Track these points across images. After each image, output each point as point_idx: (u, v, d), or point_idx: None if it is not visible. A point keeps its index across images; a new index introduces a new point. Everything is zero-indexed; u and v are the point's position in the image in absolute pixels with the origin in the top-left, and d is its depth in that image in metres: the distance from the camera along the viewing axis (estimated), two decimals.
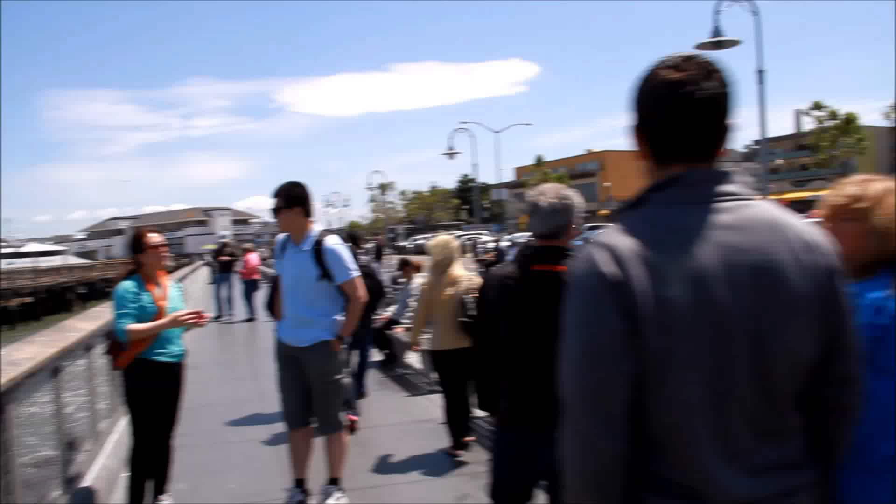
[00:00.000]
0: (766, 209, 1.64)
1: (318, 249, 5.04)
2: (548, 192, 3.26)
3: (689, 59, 1.64)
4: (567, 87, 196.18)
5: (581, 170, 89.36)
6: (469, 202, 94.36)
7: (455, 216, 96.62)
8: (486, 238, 46.98)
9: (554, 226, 3.21)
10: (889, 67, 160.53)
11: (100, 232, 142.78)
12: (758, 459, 1.57)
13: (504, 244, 36.23)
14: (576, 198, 3.29)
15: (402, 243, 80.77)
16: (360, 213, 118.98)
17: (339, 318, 5.16)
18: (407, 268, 11.54)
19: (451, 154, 30.87)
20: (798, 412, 1.66)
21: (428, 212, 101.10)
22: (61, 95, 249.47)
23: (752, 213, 1.61)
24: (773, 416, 1.60)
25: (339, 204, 75.74)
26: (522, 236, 56.39)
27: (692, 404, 1.54)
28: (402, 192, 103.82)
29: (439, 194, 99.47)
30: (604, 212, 75.76)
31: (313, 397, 5.21)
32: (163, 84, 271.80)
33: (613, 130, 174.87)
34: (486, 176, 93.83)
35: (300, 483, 5.32)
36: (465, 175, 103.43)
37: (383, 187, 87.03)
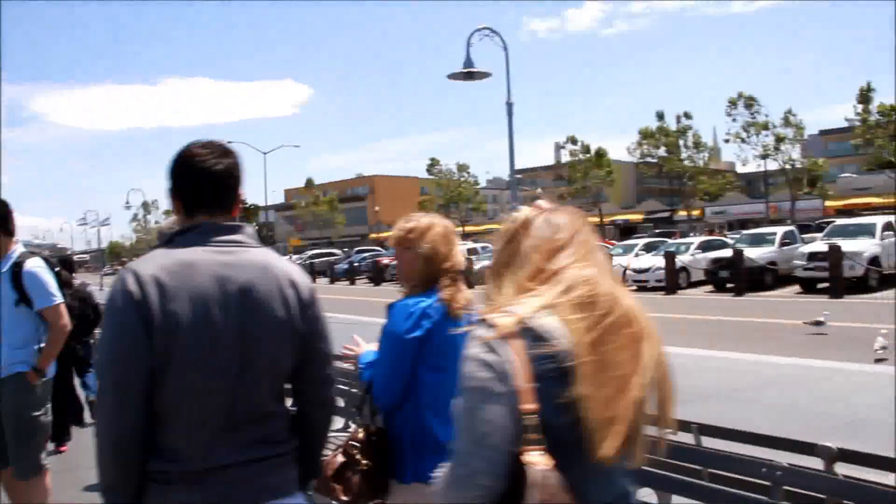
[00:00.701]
0: (261, 254, 2.21)
1: (17, 272, 4.53)
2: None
3: (211, 143, 2.27)
4: (339, 110, 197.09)
5: (351, 193, 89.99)
6: None
7: None
8: None
9: None
10: (636, 106, 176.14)
11: None
12: (244, 436, 2.11)
13: None
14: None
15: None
16: (123, 232, 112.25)
17: (38, 347, 4.65)
18: None
19: None
20: (280, 402, 2.24)
21: None
22: None
23: (248, 256, 2.17)
24: (258, 404, 2.14)
25: (95, 223, 70.99)
26: (294, 258, 55.78)
27: (189, 393, 2.04)
28: (167, 212, 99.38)
29: None
30: (373, 235, 76.62)
31: (7, 435, 4.56)
32: None
33: (384, 156, 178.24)
34: (255, 197, 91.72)
35: None
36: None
37: (146, 206, 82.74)
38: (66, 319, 4.73)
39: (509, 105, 13.58)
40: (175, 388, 2.04)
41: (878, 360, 10.30)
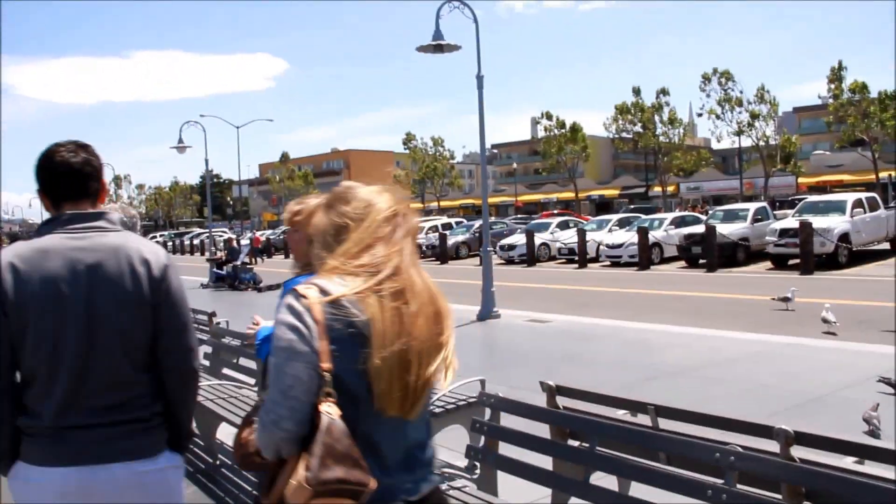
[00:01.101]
0: (117, 237, 2.45)
1: None
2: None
3: (69, 141, 2.53)
4: (314, 84, 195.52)
5: (326, 168, 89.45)
6: (212, 198, 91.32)
7: (197, 213, 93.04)
8: (226, 236, 45.41)
9: None
10: (614, 82, 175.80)
11: None
12: (96, 401, 2.36)
13: (245, 242, 35.33)
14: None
15: (257, 234, 76.65)
16: None
17: None
18: None
19: (181, 148, 29.36)
20: (143, 371, 2.43)
21: (168, 208, 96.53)
22: None
23: (102, 239, 2.41)
24: (113, 373, 2.37)
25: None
26: (266, 233, 55.41)
27: (42, 362, 2.33)
28: (139, 187, 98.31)
29: (179, 190, 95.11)
30: None
31: None
32: None
33: (359, 130, 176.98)
34: (230, 172, 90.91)
35: None
36: (210, 170, 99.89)
37: (117, 180, 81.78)
38: None
39: (479, 78, 13.38)
40: (31, 358, 2.35)
41: (827, 333, 10.49)
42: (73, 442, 2.35)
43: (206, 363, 7.86)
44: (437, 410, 5.06)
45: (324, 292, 1.89)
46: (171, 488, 2.52)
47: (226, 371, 7.83)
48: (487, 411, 4.47)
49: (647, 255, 23.95)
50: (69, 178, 2.48)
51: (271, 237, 52.15)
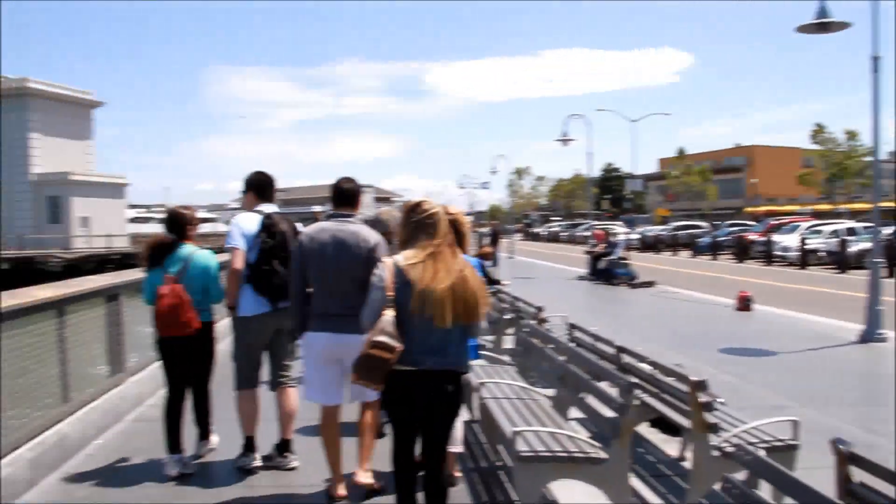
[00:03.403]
0: (355, 226, 5.11)
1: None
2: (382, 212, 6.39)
3: (345, 178, 5.38)
4: (720, 78, 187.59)
5: (727, 164, 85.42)
6: (610, 191, 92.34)
7: (595, 205, 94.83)
8: (618, 230, 45.34)
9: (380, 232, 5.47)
10: None
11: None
12: (341, 301, 4.89)
13: (622, 236, 34.97)
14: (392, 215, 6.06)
15: (536, 229, 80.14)
16: (500, 196, 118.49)
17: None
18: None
19: (564, 141, 29.92)
20: (360, 290, 4.33)
21: (567, 199, 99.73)
22: (223, 71, 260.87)
23: (348, 226, 5.08)
24: (346, 289, 4.89)
25: (472, 186, 75.40)
26: (656, 230, 54.52)
27: (315, 280, 5.03)
28: (539, 178, 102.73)
29: (579, 182, 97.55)
30: (749, 209, 72.11)
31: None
32: (317, 63, 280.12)
33: (767, 125, 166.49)
34: (625, 166, 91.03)
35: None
36: (609, 164, 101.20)
37: (519, 172, 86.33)
38: (235, 262, 5.56)
39: (875, 60, 11.48)
40: (312, 280, 5.04)
41: None
42: (329, 321, 4.95)
43: (509, 360, 7.65)
44: (729, 449, 4.32)
45: (394, 262, 3.95)
46: None
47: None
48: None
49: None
50: (344, 196, 5.25)
51: (661, 234, 50.93)
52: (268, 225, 5.60)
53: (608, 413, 4.72)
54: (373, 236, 5.00)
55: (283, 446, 5.71)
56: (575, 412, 5.77)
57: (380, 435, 5.78)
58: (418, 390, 3.88)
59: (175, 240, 5.80)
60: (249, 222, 5.64)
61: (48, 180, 54.71)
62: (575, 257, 35.54)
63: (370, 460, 5.17)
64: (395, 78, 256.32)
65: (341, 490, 5.00)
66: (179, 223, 5.87)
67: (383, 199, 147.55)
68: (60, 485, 5.41)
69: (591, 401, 5.15)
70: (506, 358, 8.02)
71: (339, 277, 4.88)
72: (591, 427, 6.02)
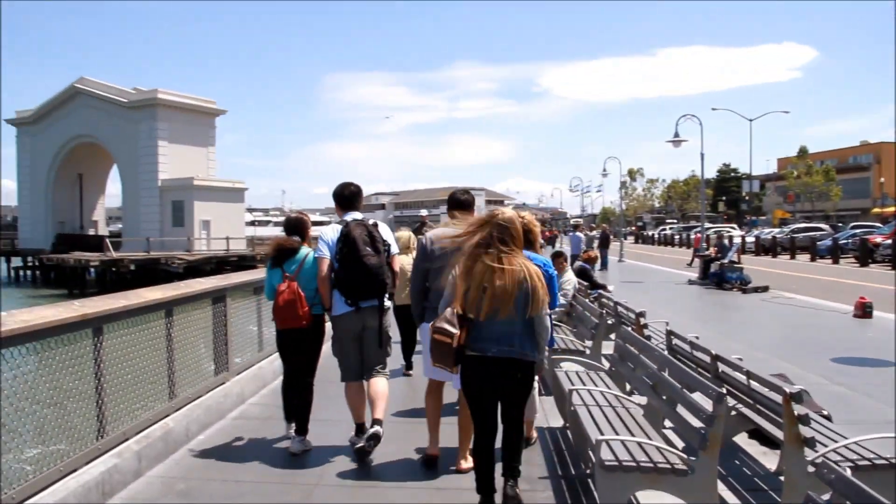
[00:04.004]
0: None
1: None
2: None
3: (465, 190, 6.21)
4: (846, 73, 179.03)
5: (852, 163, 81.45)
6: (726, 193, 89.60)
7: (710, 207, 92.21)
8: (734, 234, 43.88)
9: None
10: None
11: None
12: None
13: (737, 239, 33.86)
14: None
15: (649, 232, 78.61)
16: (612, 199, 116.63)
17: None
18: (559, 260, 11.00)
19: (676, 142, 29.17)
20: None
21: (681, 201, 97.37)
22: (340, 78, 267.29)
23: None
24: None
25: (585, 189, 74.73)
26: (773, 231, 52.54)
27: (435, 280, 5.43)
28: (651, 181, 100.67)
29: (694, 184, 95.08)
30: (876, 210, 68.52)
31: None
32: (432, 68, 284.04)
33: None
34: (746, 167, 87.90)
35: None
36: (726, 164, 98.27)
37: (632, 174, 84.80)
38: (322, 270, 6.19)
39: None
40: (431, 276, 5.58)
41: None
42: (435, 312, 5.05)
43: (608, 365, 7.54)
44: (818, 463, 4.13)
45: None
46: None
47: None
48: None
49: None
50: (461, 205, 6.07)
51: (777, 235, 48.93)
52: (344, 234, 6.09)
53: (698, 423, 4.61)
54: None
55: (376, 424, 5.97)
56: (670, 422, 5.65)
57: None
58: (486, 374, 4.54)
59: (297, 243, 6.48)
60: (332, 232, 6.20)
61: (173, 185, 57.42)
62: (687, 261, 34.68)
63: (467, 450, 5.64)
64: (508, 80, 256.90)
65: (433, 451, 5.87)
66: (300, 228, 6.60)
67: (496, 201, 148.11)
68: (163, 477, 5.69)
69: (683, 411, 5.03)
70: (604, 364, 7.93)
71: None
72: (685, 437, 5.89)
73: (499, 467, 4.69)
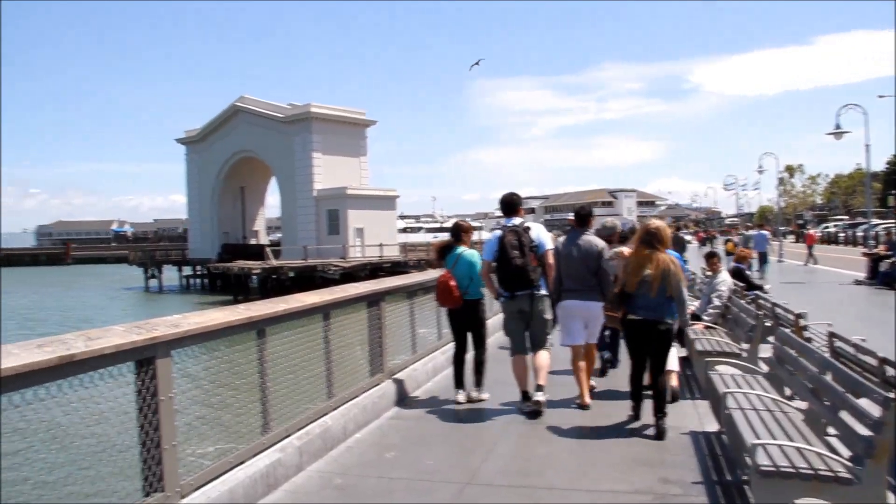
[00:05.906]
0: (588, 235, 8.10)
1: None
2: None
3: (583, 206, 8.54)
4: None
5: None
6: None
7: (879, 202, 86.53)
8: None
9: (604, 235, 8.75)
10: None
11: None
12: (580, 282, 7.94)
13: None
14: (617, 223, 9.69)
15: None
16: (770, 196, 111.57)
17: None
18: (713, 260, 10.68)
19: (837, 134, 27.59)
20: (593, 275, 7.92)
21: (846, 197, 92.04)
22: (488, 85, 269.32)
23: (586, 237, 8.07)
24: (584, 275, 7.93)
25: (736, 187, 71.87)
26: None
27: (564, 268, 7.97)
28: (812, 177, 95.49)
29: (859, 178, 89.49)
30: None
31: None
32: (578, 70, 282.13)
33: None
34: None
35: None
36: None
37: (790, 170, 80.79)
38: (483, 270, 8.20)
39: None
40: (562, 266, 7.94)
41: None
42: (574, 293, 7.93)
43: (766, 368, 7.28)
44: None
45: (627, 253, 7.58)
46: (599, 313, 8.03)
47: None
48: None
49: None
50: (582, 219, 8.18)
51: None
52: (500, 238, 7.72)
53: (864, 430, 4.39)
54: (599, 243, 8.03)
55: (539, 389, 7.61)
56: (833, 428, 5.41)
57: (602, 373, 9.49)
58: (640, 331, 6.92)
59: (453, 242, 8.40)
60: (494, 237, 7.87)
61: (327, 195, 59.51)
62: (853, 259, 32.76)
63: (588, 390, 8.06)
64: (657, 79, 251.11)
65: (587, 400, 7.92)
66: (457, 231, 8.56)
67: (647, 202, 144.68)
68: (322, 472, 5.99)
69: (847, 416, 4.81)
70: (761, 367, 7.67)
71: (579, 267, 7.90)
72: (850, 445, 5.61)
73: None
